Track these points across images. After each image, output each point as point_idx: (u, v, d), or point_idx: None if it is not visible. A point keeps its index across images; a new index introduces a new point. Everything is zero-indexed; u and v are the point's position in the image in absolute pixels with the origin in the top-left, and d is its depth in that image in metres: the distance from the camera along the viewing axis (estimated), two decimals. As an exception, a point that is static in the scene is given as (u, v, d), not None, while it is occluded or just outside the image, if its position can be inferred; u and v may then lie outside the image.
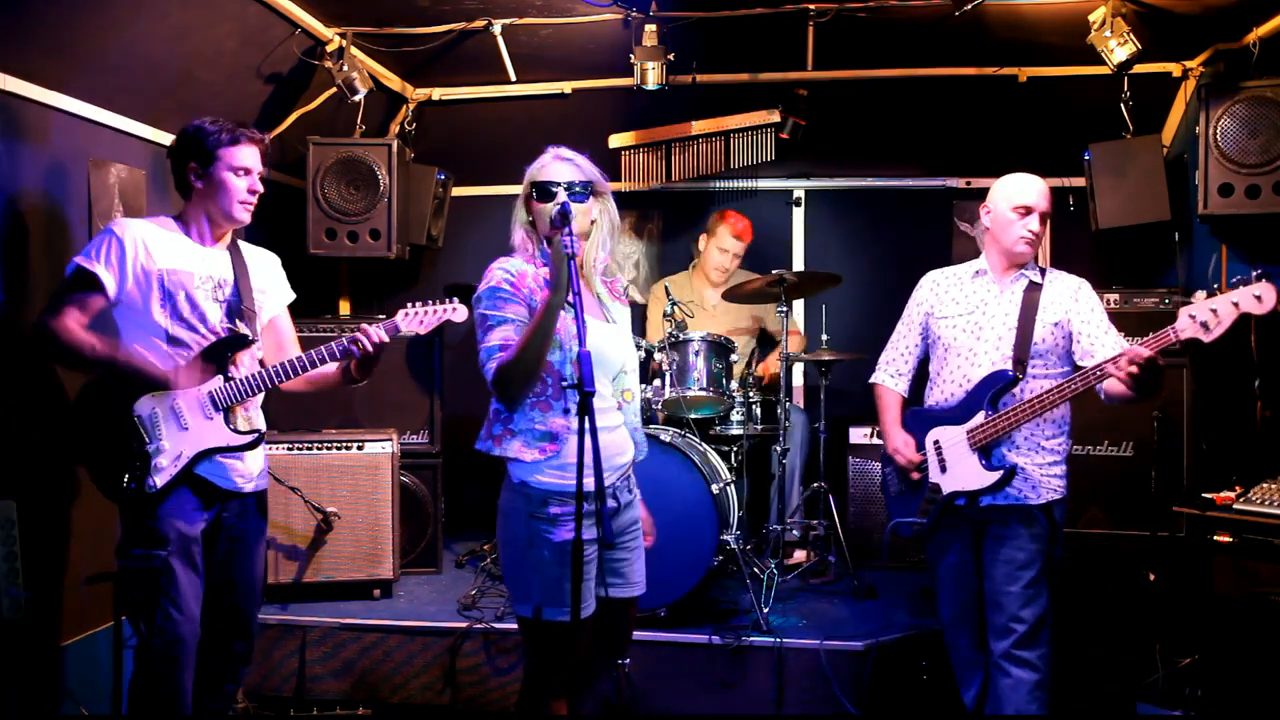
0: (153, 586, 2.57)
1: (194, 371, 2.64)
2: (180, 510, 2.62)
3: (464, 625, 3.63)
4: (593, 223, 2.44)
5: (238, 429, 2.70)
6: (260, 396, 2.80)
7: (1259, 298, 2.49)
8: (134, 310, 2.64)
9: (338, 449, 4.05)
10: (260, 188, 2.74)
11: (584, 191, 2.39)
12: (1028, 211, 2.88)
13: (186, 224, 2.74)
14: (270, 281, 2.91)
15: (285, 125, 4.37)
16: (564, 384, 2.29)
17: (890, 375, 3.16)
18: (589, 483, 2.08)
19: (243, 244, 2.87)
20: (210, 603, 2.71)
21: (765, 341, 4.94)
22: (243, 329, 2.73)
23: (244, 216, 2.74)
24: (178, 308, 2.64)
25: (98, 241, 2.63)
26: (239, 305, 2.75)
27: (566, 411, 2.34)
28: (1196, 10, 3.77)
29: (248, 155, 2.70)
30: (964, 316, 2.98)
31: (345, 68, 4.04)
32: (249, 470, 2.75)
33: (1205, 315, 2.54)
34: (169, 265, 2.64)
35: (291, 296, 2.98)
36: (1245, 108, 3.76)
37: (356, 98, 4.12)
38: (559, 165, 2.41)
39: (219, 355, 2.68)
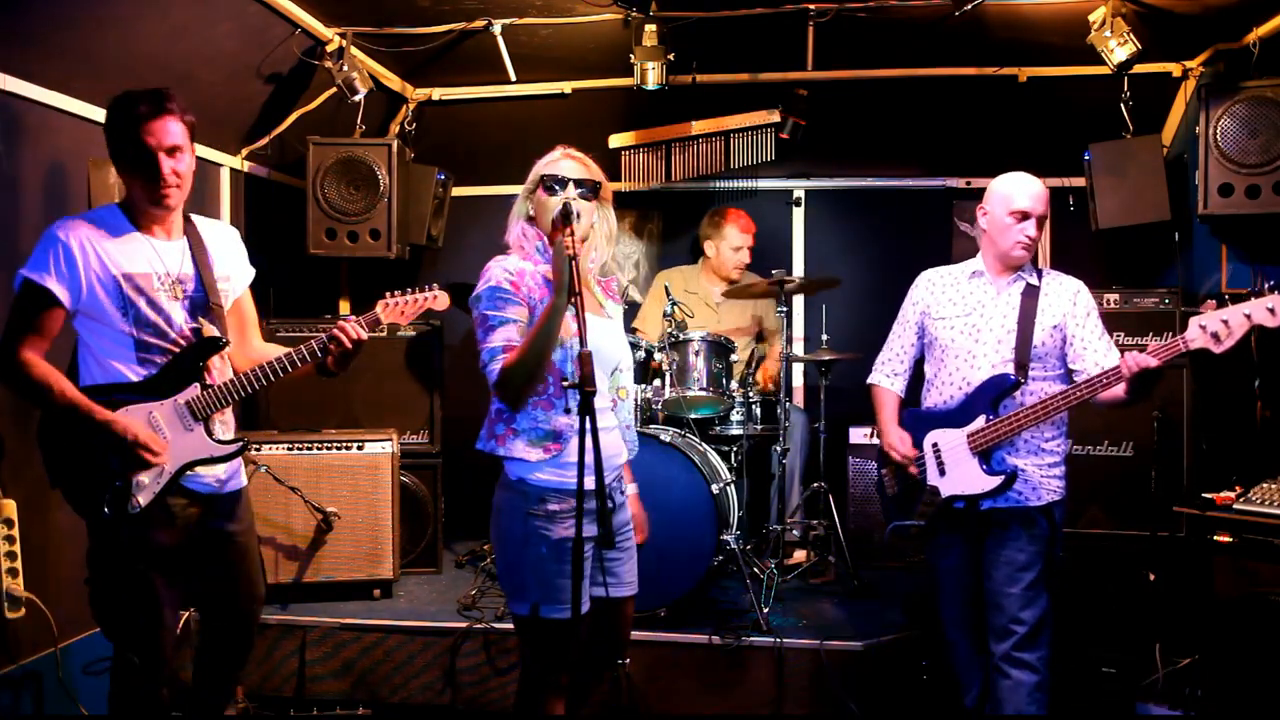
0: (133, 601, 2.47)
1: (157, 398, 2.48)
2: (160, 523, 2.49)
3: (464, 625, 3.63)
4: (591, 226, 2.45)
5: (219, 439, 2.57)
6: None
7: (1272, 310, 2.48)
8: (95, 319, 2.47)
9: (338, 449, 4.05)
10: (183, 169, 2.48)
11: (591, 193, 2.40)
12: (1024, 217, 2.86)
13: (132, 212, 2.53)
14: (233, 266, 2.71)
15: (285, 125, 4.37)
16: (565, 383, 2.28)
17: (887, 375, 3.15)
18: (588, 481, 2.08)
19: (199, 221, 2.66)
20: (210, 606, 2.69)
21: (761, 342, 4.94)
22: (211, 329, 2.56)
23: (171, 202, 2.49)
24: (140, 313, 2.47)
25: (43, 249, 2.41)
26: (205, 301, 2.57)
27: (569, 410, 2.34)
28: (1196, 10, 3.77)
29: (163, 129, 2.42)
30: (961, 318, 2.97)
31: (345, 68, 4.04)
32: (223, 472, 2.62)
33: (1216, 326, 2.52)
34: (126, 270, 2.46)
35: (251, 274, 2.79)
36: (1245, 108, 3.76)
37: (356, 98, 4.12)
38: (569, 163, 2.43)
39: (192, 362, 2.53)
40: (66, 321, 2.47)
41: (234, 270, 2.72)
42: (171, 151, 2.45)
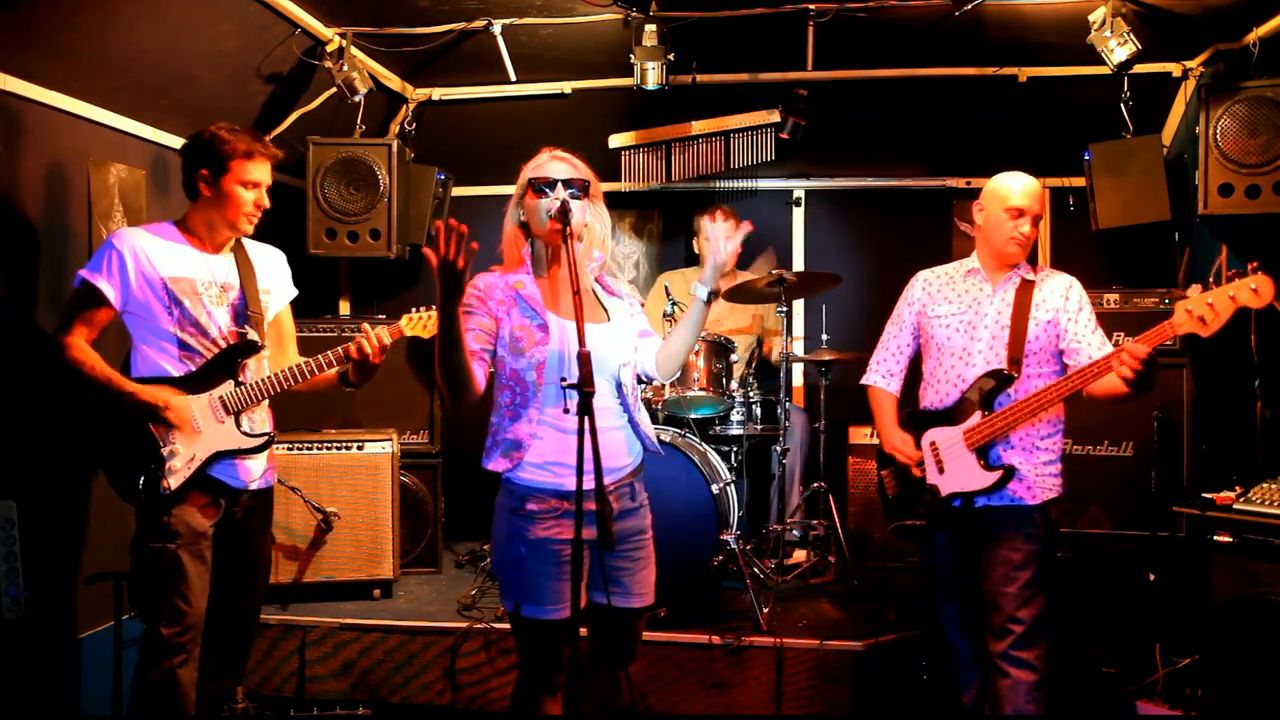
0: (162, 578, 2.63)
1: (193, 392, 2.69)
2: (191, 508, 2.68)
3: (464, 625, 3.63)
4: (585, 224, 2.44)
5: (248, 432, 2.76)
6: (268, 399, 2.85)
7: (1255, 290, 2.48)
8: (143, 318, 2.69)
9: (338, 449, 4.05)
10: (267, 203, 2.78)
11: (581, 192, 2.40)
12: (1019, 214, 2.87)
13: (189, 229, 2.78)
14: (275, 280, 2.94)
15: (285, 125, 4.37)
16: (564, 383, 2.26)
17: (882, 376, 3.16)
18: (574, 483, 2.08)
19: (248, 243, 2.89)
20: (213, 598, 2.74)
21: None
22: (252, 335, 2.78)
23: (247, 229, 2.79)
24: (185, 314, 2.69)
25: (99, 254, 2.67)
26: (245, 309, 2.80)
27: (532, 420, 2.33)
28: (1196, 10, 3.77)
29: (260, 171, 2.74)
30: (957, 316, 2.97)
31: (345, 68, 4.04)
32: (255, 469, 2.81)
33: (1202, 310, 2.53)
34: (171, 273, 2.69)
35: (294, 293, 3.01)
36: (1245, 108, 3.76)
37: (356, 98, 4.12)
38: (557, 164, 2.42)
39: (229, 361, 2.74)
40: (117, 319, 2.70)
41: (275, 285, 2.93)
42: (256, 186, 2.74)
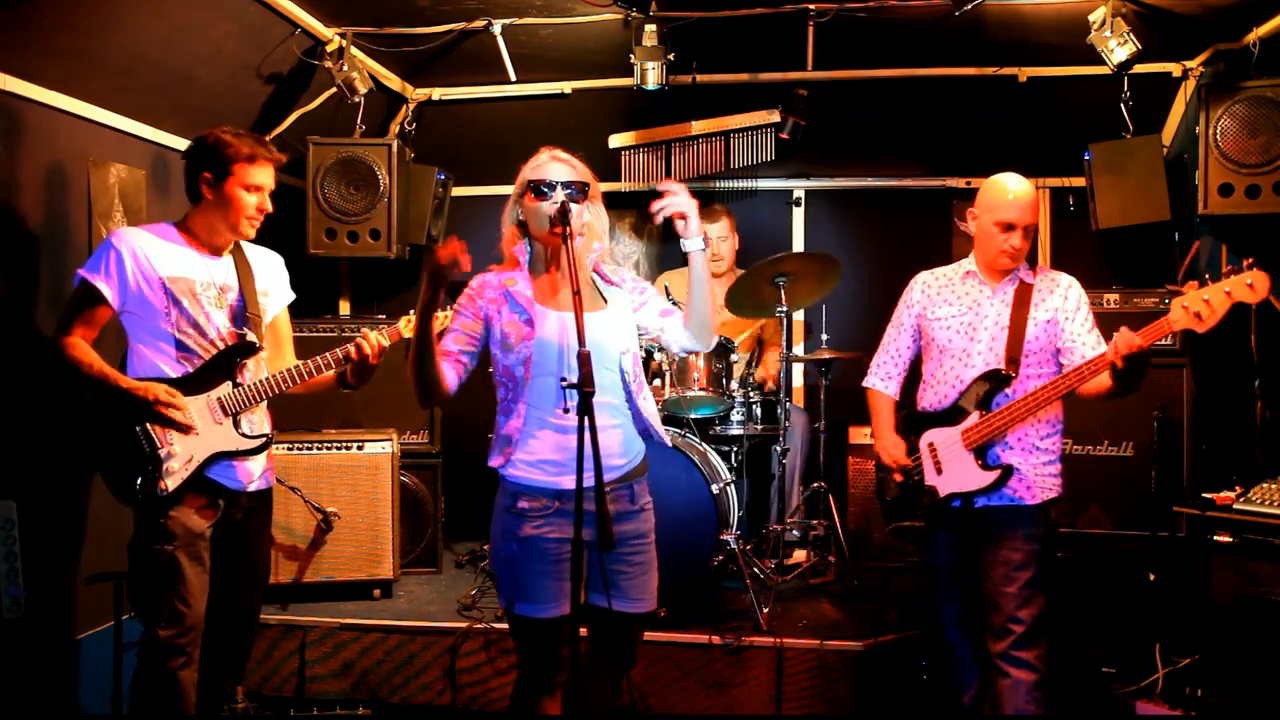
0: (160, 580, 2.62)
1: (191, 393, 2.68)
2: (189, 509, 2.67)
3: (464, 625, 3.63)
4: (585, 224, 2.45)
5: (246, 433, 2.75)
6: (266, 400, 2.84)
7: (1251, 285, 2.49)
8: (141, 318, 2.67)
9: (338, 449, 4.05)
10: (269, 207, 2.77)
11: (580, 194, 2.40)
12: (1009, 227, 2.85)
13: (189, 231, 2.76)
14: (273, 283, 2.93)
15: (285, 125, 4.37)
16: (564, 382, 2.25)
17: (881, 379, 3.16)
18: (569, 482, 2.09)
19: (246, 245, 2.88)
20: (213, 599, 2.74)
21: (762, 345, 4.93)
22: (250, 336, 2.77)
23: (249, 233, 2.79)
24: (183, 314, 2.68)
25: (98, 254, 2.66)
26: (244, 311, 2.79)
27: (521, 415, 2.35)
28: (1196, 10, 3.77)
29: (263, 174, 2.74)
30: (957, 318, 2.97)
31: (345, 68, 4.05)
32: (253, 470, 2.79)
33: (1198, 306, 2.53)
34: (170, 273, 2.68)
35: (291, 297, 3.00)
36: (1245, 108, 3.76)
37: (356, 98, 4.13)
38: (556, 165, 2.43)
39: (227, 362, 2.73)
40: (115, 319, 2.69)
41: (273, 288, 2.92)
42: (259, 190, 2.75)
